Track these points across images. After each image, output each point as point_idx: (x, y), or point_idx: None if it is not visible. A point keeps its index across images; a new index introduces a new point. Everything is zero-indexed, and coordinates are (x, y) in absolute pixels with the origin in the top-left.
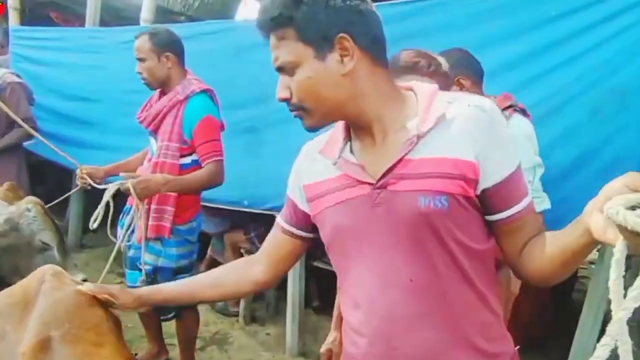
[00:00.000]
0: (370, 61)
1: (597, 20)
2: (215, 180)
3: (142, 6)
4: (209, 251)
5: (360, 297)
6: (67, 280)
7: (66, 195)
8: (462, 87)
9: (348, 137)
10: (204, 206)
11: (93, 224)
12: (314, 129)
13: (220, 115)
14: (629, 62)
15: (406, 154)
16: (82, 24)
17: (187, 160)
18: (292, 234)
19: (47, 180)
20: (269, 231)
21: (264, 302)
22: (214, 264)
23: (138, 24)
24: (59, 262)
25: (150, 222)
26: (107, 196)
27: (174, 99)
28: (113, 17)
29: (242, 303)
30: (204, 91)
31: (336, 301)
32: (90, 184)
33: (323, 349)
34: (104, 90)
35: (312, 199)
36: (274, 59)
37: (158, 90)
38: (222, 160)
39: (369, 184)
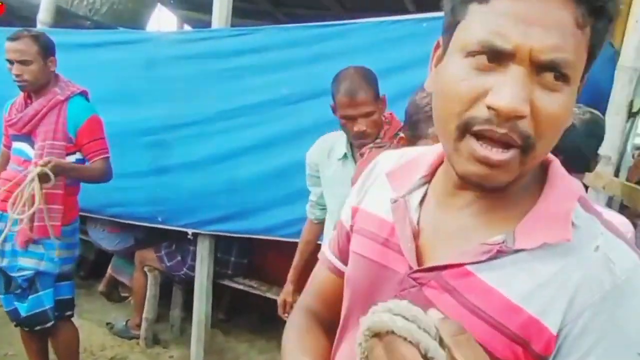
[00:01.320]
0: None
1: None
2: (105, 176)
3: (41, 6)
4: (109, 269)
5: None
6: None
7: None
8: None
9: (429, 179)
10: (105, 222)
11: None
12: (497, 187)
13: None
14: None
15: (472, 263)
16: None
17: (72, 159)
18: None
19: None
20: (180, 249)
21: (167, 324)
22: (114, 282)
23: (35, 25)
24: None
25: (36, 223)
26: (28, 180)
27: (54, 99)
28: (5, 16)
29: (143, 324)
30: (82, 93)
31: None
32: None
33: (280, 299)
34: None
35: (355, 230)
36: (547, 45)
37: (24, 93)
38: (109, 157)
39: (409, 265)
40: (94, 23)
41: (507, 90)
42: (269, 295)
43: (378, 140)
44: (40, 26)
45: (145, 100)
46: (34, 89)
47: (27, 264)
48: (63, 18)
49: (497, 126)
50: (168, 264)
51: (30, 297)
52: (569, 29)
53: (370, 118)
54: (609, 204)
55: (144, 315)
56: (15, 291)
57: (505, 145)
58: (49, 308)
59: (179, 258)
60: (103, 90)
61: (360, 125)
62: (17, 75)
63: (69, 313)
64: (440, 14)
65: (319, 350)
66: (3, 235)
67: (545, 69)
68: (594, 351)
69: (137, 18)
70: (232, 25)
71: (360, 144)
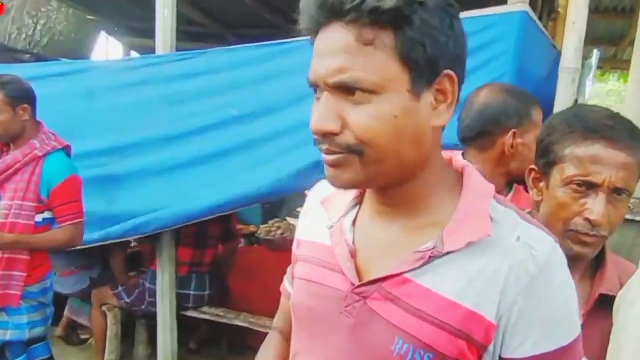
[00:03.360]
0: (449, 117)
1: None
2: (74, 242)
3: None
4: (65, 312)
5: None
6: None
7: None
8: None
9: (360, 200)
10: (57, 266)
11: None
12: (350, 187)
13: (78, 172)
14: None
15: (408, 271)
16: None
17: (39, 218)
18: None
19: None
20: (137, 284)
21: None
22: (71, 324)
23: None
24: None
25: None
26: None
27: (31, 154)
28: None
29: None
30: (63, 148)
31: None
32: None
33: None
34: None
35: (299, 259)
36: (334, 68)
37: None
38: (82, 221)
39: (350, 281)
40: (34, 56)
41: (314, 113)
42: (237, 322)
43: None
44: None
45: (87, 131)
46: (7, 140)
47: None
48: (1, 54)
49: (324, 144)
50: (127, 300)
51: None
52: (350, 48)
53: None
54: None
55: (106, 357)
56: None
57: (333, 152)
58: None
59: (137, 293)
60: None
61: None
62: None
63: None
64: None
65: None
66: None
67: (340, 89)
68: (534, 331)
69: (81, 48)
70: (179, 50)
71: None
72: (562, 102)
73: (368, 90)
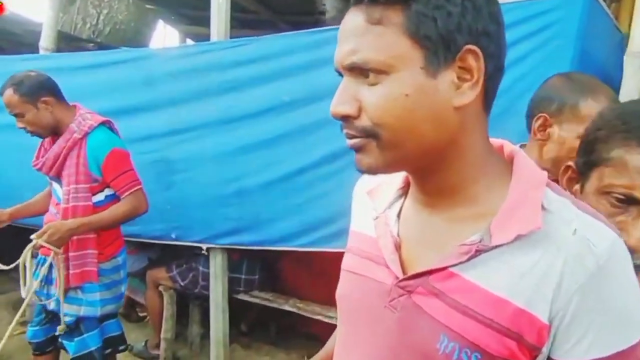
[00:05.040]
0: (483, 100)
1: None
2: (139, 210)
3: (42, 33)
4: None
5: None
6: None
7: None
8: None
9: (405, 191)
10: None
11: (25, 294)
12: (373, 172)
13: (124, 145)
14: (532, 87)
15: (455, 264)
16: None
17: (101, 197)
18: None
19: None
20: (191, 268)
21: (187, 342)
22: (130, 303)
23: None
24: None
25: (71, 271)
26: (22, 261)
27: (72, 138)
28: (11, 45)
29: (162, 344)
30: (102, 124)
31: None
32: None
33: None
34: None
35: (347, 250)
36: (347, 51)
37: None
38: (141, 188)
39: (394, 275)
40: (98, 45)
41: (334, 97)
42: (286, 307)
43: None
44: (43, 52)
45: (145, 117)
46: (49, 133)
47: (68, 310)
48: (66, 43)
49: (345, 129)
50: (182, 283)
51: (75, 339)
52: (360, 29)
53: None
54: None
55: (162, 336)
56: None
57: (353, 136)
58: (95, 349)
59: (191, 277)
60: (107, 109)
61: None
62: (22, 129)
63: (122, 347)
64: None
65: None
66: (41, 278)
67: (355, 71)
68: (588, 334)
69: (140, 36)
70: (232, 37)
71: None
72: (628, 90)
73: (379, 71)
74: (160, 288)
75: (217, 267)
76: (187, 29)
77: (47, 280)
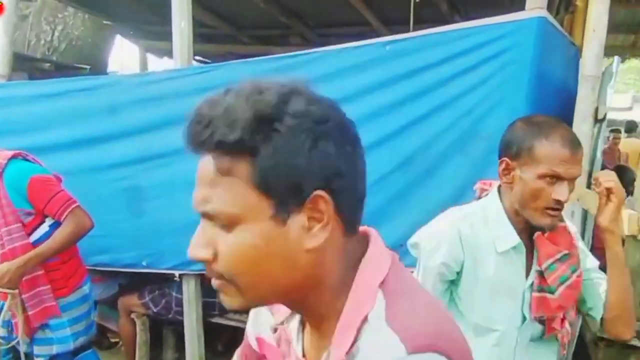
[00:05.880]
0: (342, 230)
1: (461, 71)
2: (84, 227)
3: None
4: (95, 317)
5: None
6: None
7: None
8: None
9: None
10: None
11: None
12: (237, 310)
13: (44, 170)
14: (491, 110)
15: None
16: None
17: (45, 228)
18: None
19: None
20: (164, 293)
21: None
22: (101, 329)
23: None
24: None
25: (30, 312)
26: None
27: None
28: None
29: None
30: (13, 158)
31: None
32: None
33: None
34: None
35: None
36: (200, 199)
37: None
38: (78, 205)
39: None
40: (54, 64)
41: (192, 239)
42: None
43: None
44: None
45: (112, 145)
46: None
47: (40, 352)
48: (21, 63)
49: (206, 269)
50: (155, 310)
51: None
52: (211, 178)
53: (571, 186)
54: (585, 216)
55: None
56: None
57: (214, 277)
58: None
59: (164, 303)
60: (69, 140)
61: (563, 192)
62: None
63: None
64: (400, 36)
65: None
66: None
67: (209, 217)
68: None
69: (98, 52)
70: (196, 51)
71: (551, 224)
72: (582, 110)
73: (230, 222)
74: (133, 315)
75: (190, 294)
76: (147, 43)
77: (9, 325)
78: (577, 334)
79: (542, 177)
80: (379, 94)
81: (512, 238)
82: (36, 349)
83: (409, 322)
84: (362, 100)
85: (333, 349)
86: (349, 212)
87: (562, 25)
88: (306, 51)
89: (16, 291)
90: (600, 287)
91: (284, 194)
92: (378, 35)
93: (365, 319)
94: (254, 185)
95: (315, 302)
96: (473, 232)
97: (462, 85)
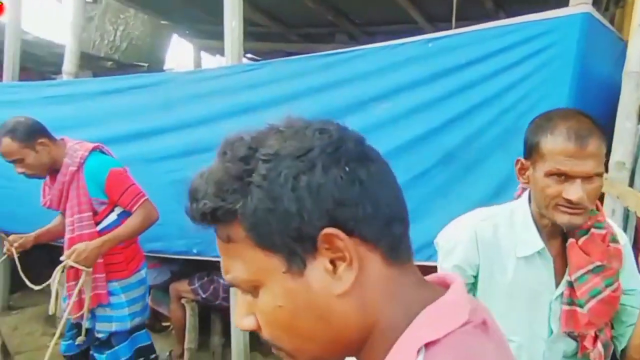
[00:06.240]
0: (382, 259)
1: (503, 67)
2: (151, 219)
3: (65, 58)
4: (149, 302)
5: None
6: None
7: None
8: None
9: None
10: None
11: (52, 309)
12: None
13: (119, 163)
14: (533, 107)
15: None
16: None
17: (113, 217)
18: None
19: None
20: (212, 280)
21: (209, 351)
22: (154, 313)
23: (60, 71)
24: None
25: (91, 294)
26: (54, 283)
27: (68, 172)
28: (38, 65)
29: (186, 354)
30: (93, 150)
31: None
32: (14, 254)
33: None
34: None
35: None
36: (223, 270)
37: None
38: (147, 199)
39: None
40: (115, 62)
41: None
42: None
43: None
44: (66, 77)
45: (164, 138)
46: (47, 173)
47: (101, 328)
48: (87, 62)
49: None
50: (203, 296)
51: (107, 352)
52: (222, 248)
53: (593, 184)
54: (627, 213)
55: (185, 346)
56: (94, 342)
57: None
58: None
59: (212, 290)
60: (127, 133)
61: (574, 190)
62: (22, 174)
63: (152, 356)
64: (443, 33)
65: None
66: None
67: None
68: None
69: (156, 50)
70: (246, 49)
71: (569, 222)
72: (626, 106)
73: (251, 288)
74: (183, 300)
75: None
76: (201, 42)
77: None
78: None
79: (548, 175)
80: (421, 90)
81: (536, 243)
82: (98, 325)
83: None
84: (405, 96)
85: None
86: (381, 237)
87: (612, 20)
88: (351, 49)
89: (90, 269)
90: (632, 317)
91: (288, 244)
92: (423, 33)
93: None
94: (255, 244)
95: (373, 350)
96: (494, 234)
97: (504, 81)
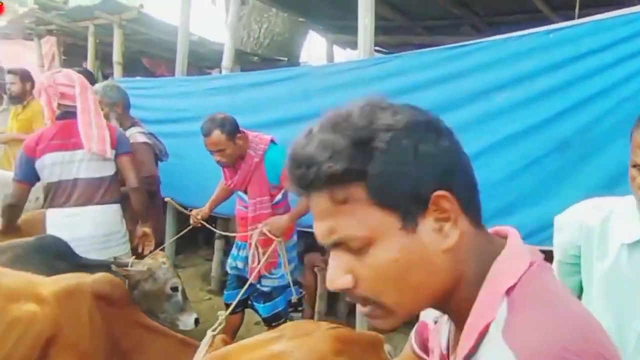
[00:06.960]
0: (470, 223)
1: (624, 56)
2: None
3: (224, 55)
4: None
5: None
6: None
7: (179, 235)
8: None
9: None
10: None
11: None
12: (393, 329)
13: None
14: None
15: None
16: (168, 67)
17: (280, 196)
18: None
19: None
20: None
21: (336, 316)
22: None
23: (218, 66)
24: (182, 305)
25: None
26: (254, 242)
27: (253, 163)
28: (197, 61)
29: (315, 317)
30: (271, 142)
31: None
32: (202, 224)
33: None
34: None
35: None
36: (325, 232)
37: None
38: None
39: None
40: (259, 57)
41: (329, 271)
42: None
43: None
44: (224, 71)
45: (302, 126)
46: (235, 163)
47: (267, 284)
48: (236, 58)
49: (348, 297)
50: None
51: (267, 303)
52: (330, 210)
53: None
54: None
55: (316, 310)
56: (254, 293)
57: (361, 305)
58: (282, 310)
59: None
60: (270, 121)
61: None
62: (217, 161)
63: (300, 308)
64: (565, 24)
65: None
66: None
67: (340, 246)
68: None
69: (293, 45)
70: (375, 43)
71: None
72: None
73: (362, 245)
74: (316, 269)
75: None
76: (333, 37)
77: (246, 260)
78: None
79: (633, 166)
80: (540, 80)
81: (636, 231)
82: (263, 281)
83: (528, 338)
84: (524, 85)
85: (459, 350)
86: (472, 203)
87: None
88: (474, 41)
89: (281, 238)
90: None
91: (405, 203)
92: (547, 22)
93: (486, 328)
94: (374, 204)
95: (457, 301)
96: (602, 223)
97: (625, 70)
